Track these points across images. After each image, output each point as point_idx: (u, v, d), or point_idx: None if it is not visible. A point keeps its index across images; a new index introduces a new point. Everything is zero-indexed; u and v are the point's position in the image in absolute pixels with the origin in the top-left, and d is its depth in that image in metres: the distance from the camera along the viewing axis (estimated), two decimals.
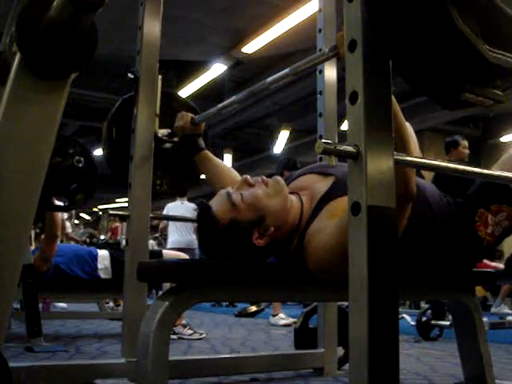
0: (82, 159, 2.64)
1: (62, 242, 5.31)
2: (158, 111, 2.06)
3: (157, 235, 8.76)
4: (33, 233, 4.48)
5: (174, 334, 3.43)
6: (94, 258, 3.30)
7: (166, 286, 2.64)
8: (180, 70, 7.52)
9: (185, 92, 7.68)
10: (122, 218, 2.18)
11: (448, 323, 3.57)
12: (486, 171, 1.16)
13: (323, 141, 0.82)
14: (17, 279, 1.43)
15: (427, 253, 1.47)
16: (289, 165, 4.70)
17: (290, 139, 10.04)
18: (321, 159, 2.19)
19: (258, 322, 5.25)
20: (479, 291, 7.09)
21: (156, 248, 7.28)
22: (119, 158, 2.14)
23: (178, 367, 1.94)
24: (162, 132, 2.08)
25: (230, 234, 1.40)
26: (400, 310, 4.79)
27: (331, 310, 2.19)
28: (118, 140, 2.17)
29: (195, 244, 5.95)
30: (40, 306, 3.18)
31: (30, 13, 1.38)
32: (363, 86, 0.82)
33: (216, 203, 1.43)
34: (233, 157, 11.37)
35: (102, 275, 3.26)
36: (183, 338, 3.46)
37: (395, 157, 0.86)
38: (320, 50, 2.16)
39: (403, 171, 1.08)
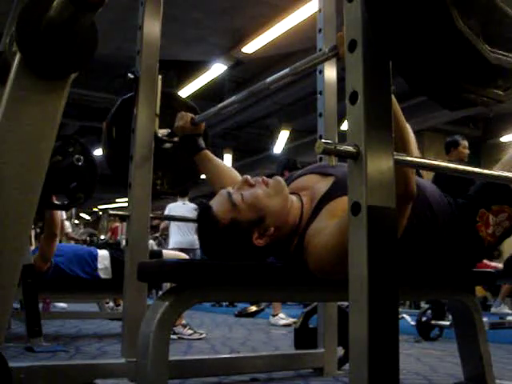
0: (82, 158, 2.64)
1: (60, 241, 5.30)
2: (158, 111, 2.06)
3: (157, 235, 8.76)
4: (33, 233, 4.48)
5: (174, 333, 3.43)
6: (94, 257, 3.30)
7: (167, 286, 2.64)
8: (180, 69, 7.52)
9: (185, 92, 7.68)
10: (122, 218, 2.18)
11: (448, 323, 3.57)
12: (486, 171, 1.16)
13: (323, 141, 0.82)
14: (17, 279, 1.43)
15: (427, 252, 1.47)
16: (289, 165, 4.70)
17: (290, 139, 10.03)
18: (321, 159, 2.19)
19: (258, 322, 5.25)
20: (479, 291, 7.09)
21: (155, 248, 7.28)
22: (119, 158, 2.14)
23: (178, 367, 1.94)
24: (162, 132, 2.08)
25: (230, 233, 1.40)
26: (400, 310, 4.78)
27: (331, 310, 2.19)
28: (118, 140, 2.17)
29: (197, 244, 5.95)
30: (40, 305, 3.18)
31: (30, 13, 1.38)
32: (363, 86, 0.82)
33: (216, 203, 1.44)
34: (233, 157, 11.37)
35: (102, 275, 3.26)
36: (183, 338, 3.46)
37: (395, 157, 0.86)
38: (320, 49, 2.16)
39: (403, 171, 1.08)
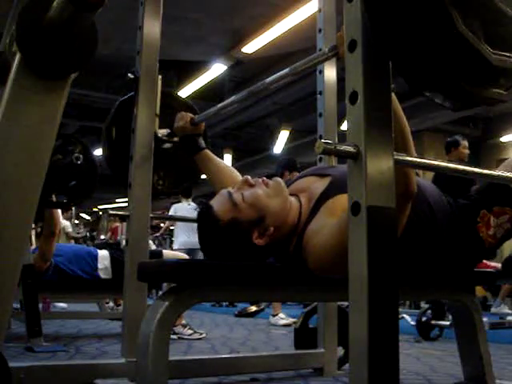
0: (82, 157, 2.64)
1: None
2: (158, 111, 2.06)
3: (157, 235, 8.76)
4: (33, 232, 4.47)
5: (174, 333, 3.43)
6: (94, 257, 3.30)
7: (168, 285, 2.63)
8: (180, 70, 7.52)
9: (185, 92, 7.68)
10: (122, 218, 2.17)
11: (448, 323, 3.57)
12: (485, 171, 1.16)
13: (323, 141, 0.82)
14: (17, 279, 1.43)
15: (427, 251, 1.48)
16: (289, 165, 4.70)
17: (290, 139, 10.03)
18: (321, 159, 2.20)
19: (258, 322, 5.25)
20: (479, 291, 7.09)
21: (154, 248, 7.28)
22: (119, 158, 2.14)
23: (178, 367, 1.94)
24: (162, 132, 2.08)
25: (231, 233, 1.40)
26: (400, 310, 4.78)
27: (331, 310, 2.19)
28: (118, 140, 2.17)
29: None
30: (40, 306, 3.18)
31: (31, 13, 1.38)
32: (363, 86, 0.82)
33: (217, 202, 1.44)
34: (233, 157, 11.37)
35: (102, 275, 3.26)
36: (183, 338, 3.46)
37: (395, 157, 0.86)
38: (320, 49, 2.16)
39: (404, 170, 1.08)
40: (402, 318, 4.17)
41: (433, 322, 3.73)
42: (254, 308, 6.10)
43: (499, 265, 5.07)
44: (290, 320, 4.78)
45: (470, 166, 1.10)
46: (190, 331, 3.55)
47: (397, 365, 0.81)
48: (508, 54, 0.82)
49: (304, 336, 2.38)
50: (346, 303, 2.30)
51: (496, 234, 1.51)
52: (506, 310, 6.26)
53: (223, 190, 1.48)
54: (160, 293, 3.77)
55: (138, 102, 2.01)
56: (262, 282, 1.36)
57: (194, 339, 3.47)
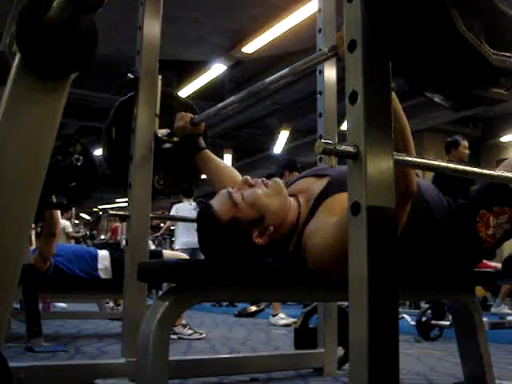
0: (81, 158, 2.64)
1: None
2: (157, 111, 2.06)
3: (157, 235, 8.76)
4: (33, 232, 4.47)
5: (174, 333, 3.43)
6: (94, 258, 3.29)
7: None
8: (180, 69, 7.52)
9: (185, 92, 7.68)
10: (122, 218, 2.17)
11: (448, 323, 3.56)
12: (485, 171, 1.16)
13: (323, 141, 0.82)
14: (17, 279, 1.43)
15: (426, 251, 1.48)
16: (289, 165, 4.70)
17: (290, 139, 10.04)
18: (321, 159, 2.20)
19: (258, 322, 5.25)
20: (479, 291, 7.09)
21: (153, 248, 7.28)
22: (119, 158, 2.14)
23: (178, 367, 1.94)
24: (162, 132, 2.08)
25: (231, 232, 1.41)
26: (400, 310, 4.78)
27: (331, 310, 2.19)
28: (118, 140, 2.16)
29: None
30: (40, 306, 3.18)
31: (30, 13, 1.38)
32: (363, 86, 0.82)
33: (217, 202, 1.45)
34: (233, 157, 11.38)
35: (102, 275, 3.26)
36: (183, 338, 3.46)
37: (395, 157, 0.86)
38: (320, 50, 2.16)
39: (404, 170, 1.08)
40: (402, 317, 4.17)
41: (433, 322, 3.73)
42: (253, 308, 6.10)
43: (499, 265, 5.07)
44: (290, 320, 4.78)
45: (470, 166, 1.10)
46: (190, 331, 3.55)
47: (397, 365, 0.81)
48: (508, 54, 0.82)
49: (304, 336, 2.38)
50: (346, 303, 2.30)
51: (495, 234, 1.51)
52: (506, 310, 6.26)
53: (223, 190, 1.48)
54: (160, 293, 3.77)
55: (138, 102, 2.01)
56: (262, 281, 1.36)
57: (194, 339, 3.47)
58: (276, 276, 1.37)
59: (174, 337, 3.40)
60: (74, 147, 2.67)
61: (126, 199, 2.03)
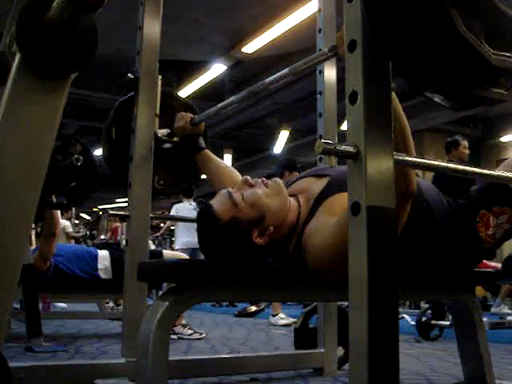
0: (81, 158, 2.64)
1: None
2: (157, 111, 2.06)
3: (157, 234, 8.76)
4: (33, 232, 4.47)
5: (174, 333, 3.43)
6: (94, 258, 3.29)
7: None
8: (180, 69, 7.52)
9: (185, 92, 7.68)
10: (122, 218, 2.17)
11: (448, 323, 3.56)
12: (485, 171, 1.16)
13: (323, 141, 0.82)
14: (17, 279, 1.43)
15: (426, 250, 1.48)
16: (289, 165, 4.70)
17: (290, 139, 10.03)
18: (321, 159, 2.20)
19: (258, 322, 5.25)
20: (479, 291, 7.09)
21: (152, 248, 7.28)
22: (119, 158, 2.14)
23: (178, 367, 1.94)
24: (162, 132, 2.08)
25: (231, 232, 1.41)
26: (400, 310, 4.78)
27: (331, 310, 2.19)
28: (118, 140, 2.16)
29: None
30: (40, 306, 3.18)
31: (30, 13, 1.38)
32: (363, 86, 0.82)
33: (217, 202, 1.45)
34: (233, 157, 11.38)
35: (102, 275, 3.26)
36: (183, 338, 3.46)
37: (395, 157, 0.86)
38: (320, 50, 2.16)
39: (404, 170, 1.09)
40: (402, 317, 4.17)
41: (433, 321, 3.73)
42: (253, 308, 6.10)
43: (499, 265, 5.07)
44: (290, 320, 4.78)
45: (470, 166, 1.10)
46: (190, 331, 3.55)
47: (397, 365, 0.81)
48: (508, 54, 0.82)
49: (304, 336, 2.38)
50: (346, 303, 2.30)
51: (495, 234, 1.51)
52: (506, 310, 6.26)
53: (223, 190, 1.48)
54: (160, 293, 3.77)
55: (138, 102, 2.01)
56: (262, 281, 1.36)
57: (194, 339, 3.47)
58: (276, 276, 1.37)
59: (174, 337, 3.40)
60: (74, 147, 2.67)
61: (126, 199, 2.03)
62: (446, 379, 2.18)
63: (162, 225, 8.75)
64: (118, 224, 8.64)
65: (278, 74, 1.54)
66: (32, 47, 1.39)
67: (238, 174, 1.84)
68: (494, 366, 1.63)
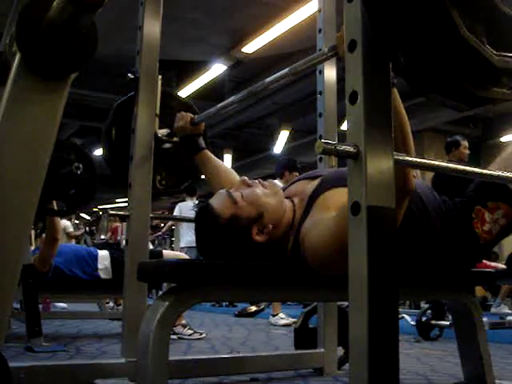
0: (81, 165, 2.64)
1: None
2: (158, 111, 2.07)
3: (159, 234, 8.76)
4: (33, 233, 4.48)
5: (174, 333, 3.43)
6: (94, 258, 3.29)
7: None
8: (180, 70, 7.52)
9: (185, 92, 7.68)
10: (122, 218, 2.17)
11: (448, 323, 3.57)
12: (485, 171, 1.16)
13: (323, 141, 0.82)
14: (17, 279, 1.43)
15: (422, 248, 1.48)
16: (289, 165, 4.70)
17: (290, 139, 10.03)
18: (321, 159, 2.20)
19: (258, 322, 5.24)
20: (479, 291, 7.09)
21: (151, 248, 7.28)
22: (119, 158, 2.14)
23: (178, 367, 1.94)
24: (162, 132, 2.08)
25: (231, 229, 1.42)
26: (400, 309, 4.78)
27: (331, 310, 2.19)
28: (118, 140, 2.17)
29: None
30: (40, 306, 3.18)
31: (31, 13, 1.38)
32: (363, 86, 0.82)
33: (216, 201, 1.46)
34: (233, 157, 11.37)
35: (102, 275, 3.26)
36: (183, 338, 3.46)
37: (395, 157, 0.86)
38: (320, 50, 2.16)
39: (402, 166, 1.09)
40: (402, 317, 4.17)
41: (433, 321, 3.73)
42: (253, 308, 6.10)
43: (499, 265, 5.08)
44: (290, 320, 4.78)
45: (470, 166, 1.10)
46: (190, 331, 3.55)
47: (397, 365, 0.81)
48: (510, 55, 0.82)
49: (304, 336, 2.37)
50: (346, 303, 2.30)
51: (492, 229, 1.51)
52: (506, 310, 6.26)
53: (222, 190, 1.50)
54: (160, 293, 3.77)
55: (138, 102, 2.01)
56: (262, 281, 1.36)
57: (193, 339, 3.47)
58: (276, 276, 1.37)
59: (174, 337, 3.40)
60: (73, 154, 2.67)
61: (126, 199, 2.03)
62: (445, 379, 2.18)
63: (162, 225, 8.76)
64: (118, 224, 8.65)
65: (278, 73, 1.54)
66: (32, 47, 1.39)
67: (236, 175, 1.86)
68: (494, 366, 1.63)
